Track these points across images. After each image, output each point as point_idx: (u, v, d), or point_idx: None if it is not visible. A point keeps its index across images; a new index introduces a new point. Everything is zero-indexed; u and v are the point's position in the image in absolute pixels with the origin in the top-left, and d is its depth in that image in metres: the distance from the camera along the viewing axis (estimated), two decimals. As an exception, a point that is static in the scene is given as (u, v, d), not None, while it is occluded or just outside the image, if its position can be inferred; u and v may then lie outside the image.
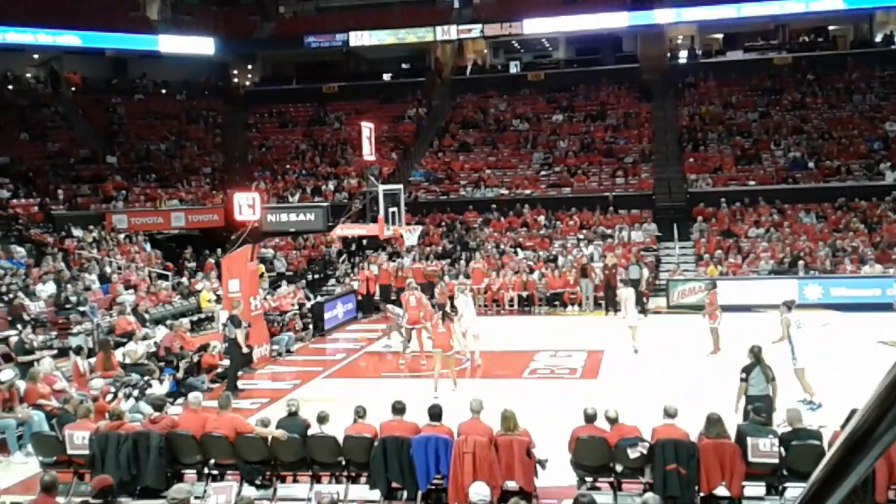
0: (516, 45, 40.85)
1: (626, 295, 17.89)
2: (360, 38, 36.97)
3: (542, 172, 31.03)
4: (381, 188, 17.39)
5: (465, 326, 16.75)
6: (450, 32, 36.34)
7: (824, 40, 36.97)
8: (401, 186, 19.28)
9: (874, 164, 27.63)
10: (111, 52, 36.76)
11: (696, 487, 8.67)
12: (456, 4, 37.69)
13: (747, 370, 10.75)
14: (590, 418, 9.27)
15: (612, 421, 9.15)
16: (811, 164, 28.35)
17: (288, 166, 33.59)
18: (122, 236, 26.44)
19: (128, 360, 15.07)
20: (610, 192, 28.95)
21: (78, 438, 9.74)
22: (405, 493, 9.22)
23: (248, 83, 42.40)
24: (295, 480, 9.84)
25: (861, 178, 27.36)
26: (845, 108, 31.46)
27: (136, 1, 37.06)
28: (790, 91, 33.03)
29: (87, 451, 9.64)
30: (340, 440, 9.40)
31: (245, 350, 15.73)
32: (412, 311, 17.01)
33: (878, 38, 34.87)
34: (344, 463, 9.52)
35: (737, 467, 8.58)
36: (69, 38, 33.72)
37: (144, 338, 16.61)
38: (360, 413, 9.70)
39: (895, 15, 34.72)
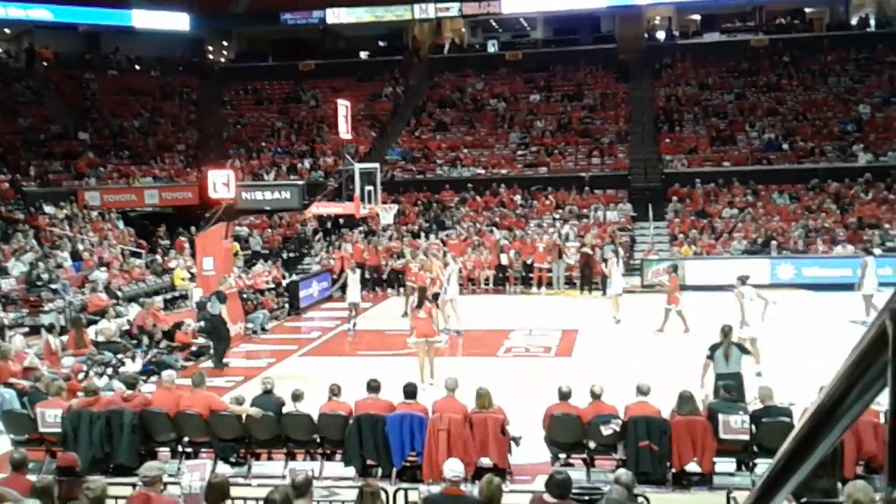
0: (494, 24, 40.69)
1: (613, 266, 18.27)
2: (337, 16, 36.64)
3: (519, 152, 31.02)
4: (358, 166, 17.34)
5: (452, 295, 16.89)
6: (427, 11, 36.07)
7: (801, 22, 37.08)
8: (377, 165, 19.22)
9: (847, 145, 27.87)
10: (84, 27, 36.23)
11: (668, 463, 8.78)
12: (434, -18, 37.40)
13: (713, 348, 10.90)
14: (564, 396, 9.34)
15: (596, 396, 9.21)
16: (785, 146, 28.54)
17: (263, 144, 33.32)
18: (94, 213, 26.16)
19: (101, 338, 14.97)
20: (586, 172, 29.00)
21: (50, 416, 9.68)
22: (380, 471, 9.27)
23: (223, 59, 41.95)
24: (269, 458, 9.86)
25: (834, 159, 27.57)
26: (820, 90, 31.64)
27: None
28: (766, 73, 33.14)
29: (59, 429, 9.58)
30: (315, 418, 9.41)
31: (229, 327, 15.68)
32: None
33: (854, 21, 35.07)
34: (319, 440, 9.54)
35: (708, 444, 8.69)
36: (41, 13, 33.19)
37: (117, 315, 16.50)
38: (335, 391, 9.72)
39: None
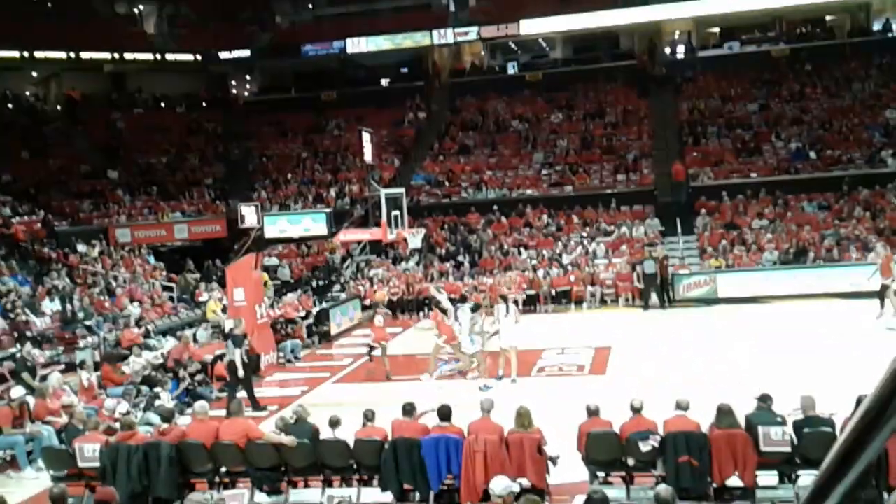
0: (513, 45, 40.85)
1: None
2: (357, 45, 36.99)
3: (543, 172, 31.01)
4: (383, 192, 17.43)
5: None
6: (446, 36, 36.31)
7: (821, 30, 36.88)
8: (402, 190, 19.29)
9: (875, 151, 27.55)
10: (109, 68, 36.86)
11: (709, 478, 8.65)
12: (451, 7, 37.63)
13: None
14: (593, 412, 9.28)
15: (637, 411, 9.11)
16: (812, 154, 28.26)
17: (289, 175, 33.58)
18: (125, 250, 26.47)
19: (134, 372, 15.07)
20: (612, 188, 28.96)
21: (88, 451, 9.74)
22: (417, 495, 9.22)
23: (246, 94, 42.46)
24: (306, 486, 9.84)
25: (863, 166, 27.26)
26: (845, 97, 31.37)
27: (133, 16, 37.20)
28: (789, 82, 32.94)
29: (97, 464, 9.64)
30: (351, 444, 9.39)
31: (241, 374, 15.22)
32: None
33: (876, 27, 34.78)
34: (355, 466, 9.52)
35: (749, 457, 8.54)
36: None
37: (149, 349, 16.62)
38: (369, 416, 9.70)
39: (892, 2, 34.64)
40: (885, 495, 7.74)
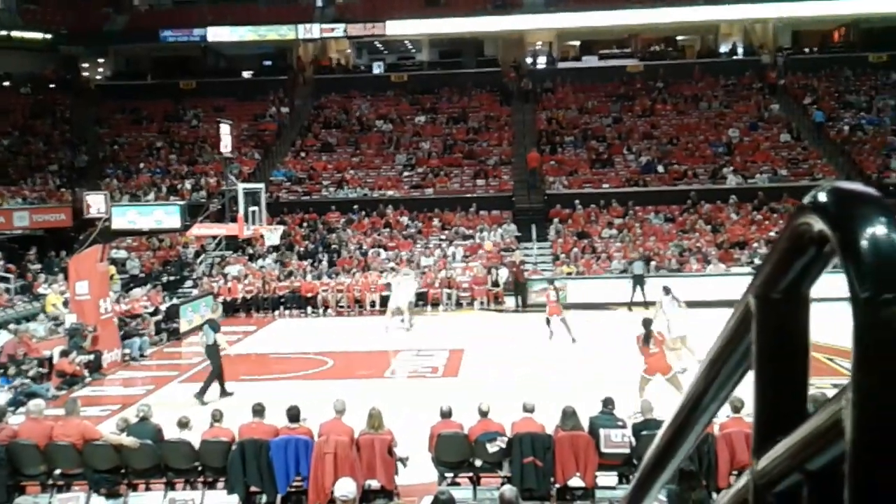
0: (379, 45, 40.85)
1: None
2: (218, 34, 36.06)
3: (406, 173, 31.13)
4: (241, 187, 17.08)
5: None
6: (312, 31, 35.96)
7: (673, 49, 38.78)
8: (262, 186, 18.94)
9: (718, 168, 29.17)
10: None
11: (552, 479, 8.91)
12: (318, 3, 37.28)
13: None
14: (445, 414, 9.41)
15: (484, 414, 9.28)
16: (660, 168, 29.63)
17: (142, 164, 32.27)
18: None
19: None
20: (471, 193, 29.41)
21: None
22: (264, 497, 9.06)
23: (98, 77, 40.56)
24: (148, 489, 9.49)
25: (706, 181, 28.82)
26: (692, 114, 33.08)
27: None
28: (642, 98, 34.41)
29: (-84, 466, 8.98)
30: (196, 445, 9.14)
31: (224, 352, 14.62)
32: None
33: (723, 49, 36.89)
34: (200, 468, 9.26)
35: (590, 458, 8.87)
36: None
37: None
38: (217, 416, 9.48)
39: (739, 27, 36.84)
40: (713, 495, 8.20)
